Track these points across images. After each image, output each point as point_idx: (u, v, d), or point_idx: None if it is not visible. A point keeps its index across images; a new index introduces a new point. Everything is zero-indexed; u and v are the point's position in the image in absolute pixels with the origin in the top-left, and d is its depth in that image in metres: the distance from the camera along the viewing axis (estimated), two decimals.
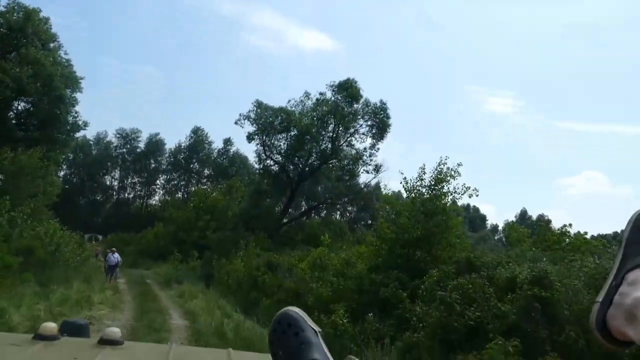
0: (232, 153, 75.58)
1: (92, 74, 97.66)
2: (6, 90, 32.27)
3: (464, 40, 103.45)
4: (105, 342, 1.85)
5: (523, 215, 75.36)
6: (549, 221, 19.35)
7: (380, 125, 32.17)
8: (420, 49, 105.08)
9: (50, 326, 1.87)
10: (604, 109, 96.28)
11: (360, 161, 33.53)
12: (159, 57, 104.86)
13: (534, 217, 67.75)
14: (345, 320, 10.95)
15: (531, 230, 21.74)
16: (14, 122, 36.73)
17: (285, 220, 33.63)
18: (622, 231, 0.97)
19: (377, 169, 33.64)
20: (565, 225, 19.26)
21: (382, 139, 32.88)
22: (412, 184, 13.97)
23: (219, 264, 22.65)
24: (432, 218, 13.58)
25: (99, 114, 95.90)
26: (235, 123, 31.53)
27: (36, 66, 32.38)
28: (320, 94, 31.77)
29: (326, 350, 1.00)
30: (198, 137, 73.62)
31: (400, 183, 14.46)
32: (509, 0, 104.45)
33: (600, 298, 0.88)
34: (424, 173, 14.12)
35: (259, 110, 30.89)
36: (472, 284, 9.68)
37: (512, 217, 74.32)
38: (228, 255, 24.10)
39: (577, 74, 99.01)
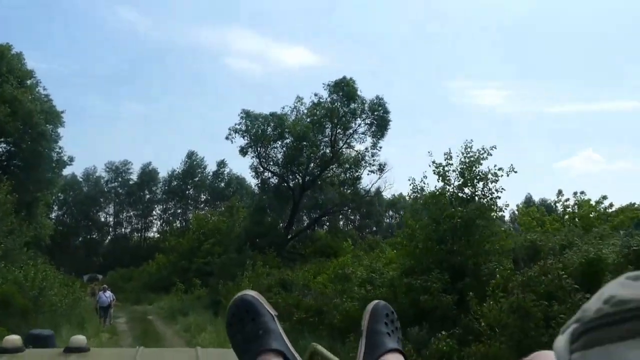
0: (227, 175, 73.81)
1: (74, 113, 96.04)
2: None
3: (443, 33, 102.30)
4: (71, 350, 1.97)
5: (528, 200, 73.56)
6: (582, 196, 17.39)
7: (379, 122, 30.31)
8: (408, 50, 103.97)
9: (14, 338, 1.94)
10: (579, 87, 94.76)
11: (363, 162, 31.60)
12: (142, 90, 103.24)
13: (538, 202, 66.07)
14: None
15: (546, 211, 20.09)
16: None
17: (290, 235, 31.54)
18: None
19: (382, 168, 31.66)
20: (603, 198, 17.51)
21: (383, 137, 31.02)
22: (441, 169, 11.93)
23: (225, 289, 20.50)
24: (468, 204, 11.60)
25: (84, 149, 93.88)
26: (226, 138, 29.58)
27: (14, 104, 30.83)
28: (315, 94, 29.96)
29: (284, 336, 0.99)
30: (192, 162, 71.66)
31: (421, 179, 12.44)
32: None
33: None
34: (450, 158, 12.15)
35: (248, 120, 28.94)
36: (545, 275, 7.64)
37: (516, 204, 72.62)
38: (234, 278, 22.02)
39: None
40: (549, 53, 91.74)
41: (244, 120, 29.11)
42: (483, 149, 11.89)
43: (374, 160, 31.50)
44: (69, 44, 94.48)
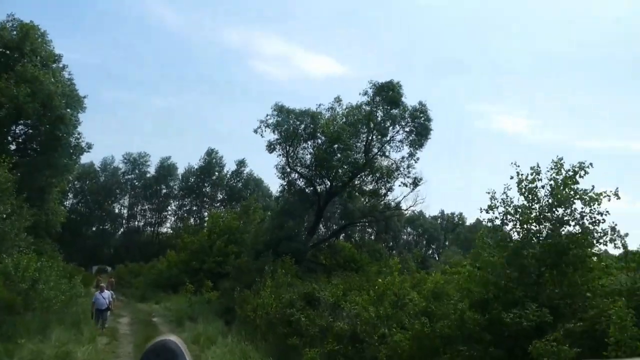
0: (245, 175, 72.07)
1: (96, 103, 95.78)
2: (1, 111, 29.29)
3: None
4: None
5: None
6: None
7: (419, 130, 27.89)
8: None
9: None
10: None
11: (397, 172, 29.13)
12: (167, 87, 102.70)
13: None
14: None
15: None
16: (12, 147, 33.89)
17: (312, 243, 29.19)
18: None
19: (416, 182, 29.10)
20: None
21: (422, 146, 28.50)
22: (526, 184, 9.49)
23: (241, 298, 18.23)
24: (560, 228, 9.21)
25: (103, 139, 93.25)
26: (255, 132, 27.32)
27: (34, 84, 29.41)
28: (361, 94, 27.58)
29: None
30: (212, 159, 70.05)
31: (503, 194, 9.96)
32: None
33: None
34: (538, 173, 9.75)
35: (280, 115, 26.77)
36: None
37: None
38: (251, 285, 19.79)
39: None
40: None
41: (275, 114, 26.92)
42: (580, 165, 9.52)
43: (408, 171, 29.02)
44: (97, 34, 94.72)
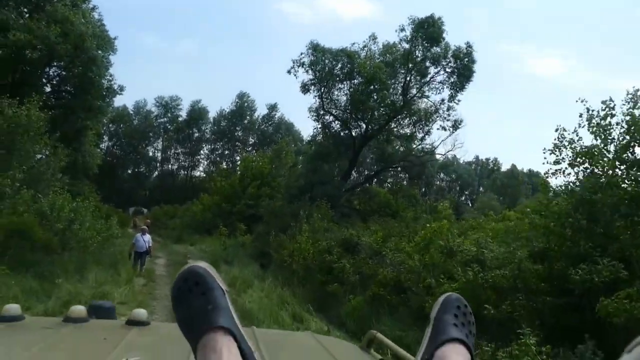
0: (276, 119, 71.27)
1: (128, 47, 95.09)
2: (34, 53, 29.14)
3: None
4: (133, 323, 2.00)
5: None
6: None
7: (462, 71, 26.12)
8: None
9: (79, 309, 2.06)
10: None
11: (435, 115, 27.69)
12: (193, 30, 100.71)
13: None
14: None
15: None
16: (47, 89, 34.11)
17: (345, 188, 28.51)
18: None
19: (456, 125, 27.63)
20: None
21: (464, 89, 26.80)
22: (597, 122, 8.32)
23: (277, 242, 17.91)
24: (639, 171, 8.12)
25: (135, 82, 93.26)
26: (288, 72, 26.11)
27: (65, 25, 29.01)
28: (398, 30, 25.76)
29: (234, 314, 0.94)
30: (243, 103, 69.26)
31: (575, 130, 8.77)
32: None
33: None
34: (612, 108, 8.51)
35: (314, 54, 25.39)
36: None
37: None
38: (286, 230, 19.46)
39: None
40: None
41: (310, 53, 25.53)
42: None
43: (448, 114, 27.50)
44: None
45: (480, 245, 9.21)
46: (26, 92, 21.69)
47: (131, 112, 69.57)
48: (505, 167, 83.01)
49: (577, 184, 8.53)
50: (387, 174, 52.23)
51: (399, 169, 37.45)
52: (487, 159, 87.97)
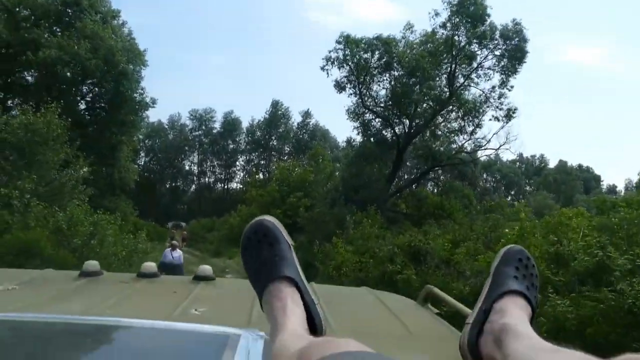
0: (311, 126, 69.78)
1: (159, 63, 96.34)
2: (66, 69, 29.04)
3: None
4: (200, 278, 2.23)
5: None
6: None
7: (513, 53, 23.59)
8: None
9: (151, 265, 2.32)
10: None
11: (486, 105, 25.14)
12: (224, 42, 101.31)
13: None
14: None
15: None
16: (82, 106, 34.18)
17: (391, 190, 26.33)
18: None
19: (510, 114, 24.98)
20: None
21: (516, 73, 24.22)
22: None
23: (322, 253, 15.95)
24: None
25: (168, 97, 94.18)
26: (322, 69, 24.15)
27: (95, 40, 28.84)
28: (431, 14, 23.43)
29: (299, 266, 0.97)
30: (277, 112, 68.15)
31: None
32: None
33: (470, 320, 0.92)
34: None
35: (347, 47, 23.22)
36: None
37: (631, 176, 63.20)
38: (330, 238, 17.52)
39: None
40: None
41: (342, 47, 23.41)
42: None
43: (500, 102, 24.86)
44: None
45: (604, 248, 6.85)
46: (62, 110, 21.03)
47: (166, 126, 69.68)
48: (552, 164, 78.66)
49: None
50: (433, 174, 49.52)
51: (453, 166, 34.84)
52: (533, 156, 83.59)
